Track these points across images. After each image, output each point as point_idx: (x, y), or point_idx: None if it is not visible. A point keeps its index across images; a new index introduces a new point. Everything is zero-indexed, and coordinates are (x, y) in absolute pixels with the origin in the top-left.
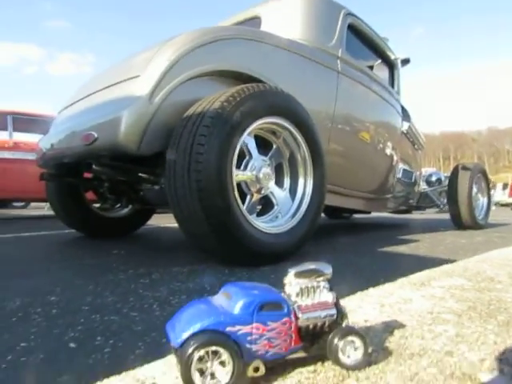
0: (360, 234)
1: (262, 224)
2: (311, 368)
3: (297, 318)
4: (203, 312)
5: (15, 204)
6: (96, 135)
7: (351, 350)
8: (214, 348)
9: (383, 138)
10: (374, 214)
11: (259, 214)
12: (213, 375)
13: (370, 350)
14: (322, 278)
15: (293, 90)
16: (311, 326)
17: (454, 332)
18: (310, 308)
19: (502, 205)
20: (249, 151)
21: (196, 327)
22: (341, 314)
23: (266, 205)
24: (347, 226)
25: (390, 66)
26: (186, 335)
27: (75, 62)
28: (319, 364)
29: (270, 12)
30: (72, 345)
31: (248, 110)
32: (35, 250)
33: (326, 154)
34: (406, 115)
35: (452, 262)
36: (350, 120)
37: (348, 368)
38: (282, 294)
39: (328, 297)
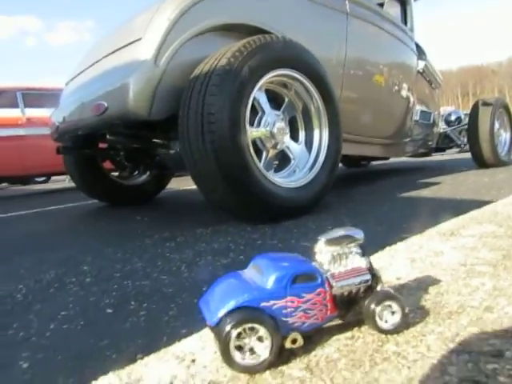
0: (379, 180)
1: (280, 179)
2: (349, 334)
3: (331, 287)
4: (236, 288)
5: (37, 179)
6: (106, 105)
7: (388, 315)
8: (250, 325)
9: (398, 79)
10: (392, 160)
11: (276, 170)
12: (252, 350)
13: (406, 311)
14: (353, 244)
15: (300, 37)
16: (346, 294)
17: (490, 285)
18: (343, 275)
19: None
20: (261, 107)
21: (230, 305)
22: (375, 278)
23: (282, 160)
24: (366, 174)
25: (402, 1)
26: (221, 314)
27: (75, 29)
28: (356, 330)
29: None
30: (109, 310)
31: (256, 63)
32: (62, 223)
33: (340, 101)
34: (421, 53)
35: (479, 205)
36: (362, 64)
37: (386, 332)
38: (314, 264)
39: (361, 262)
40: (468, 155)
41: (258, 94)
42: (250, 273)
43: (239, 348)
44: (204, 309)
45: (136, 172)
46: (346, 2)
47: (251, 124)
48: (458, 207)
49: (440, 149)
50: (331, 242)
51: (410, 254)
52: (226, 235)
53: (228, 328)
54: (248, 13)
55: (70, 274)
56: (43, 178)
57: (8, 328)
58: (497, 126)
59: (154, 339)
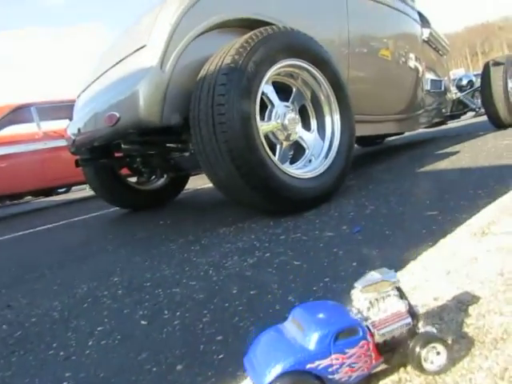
0: (396, 157)
1: (297, 171)
2: (395, 377)
3: (373, 336)
4: (280, 349)
5: (58, 190)
6: (118, 115)
7: (434, 356)
8: None
9: (404, 51)
10: (407, 133)
11: (292, 161)
12: None
13: (451, 347)
14: (390, 288)
15: (300, 22)
16: (389, 340)
17: None
18: (383, 322)
19: None
20: (270, 100)
21: (277, 370)
22: (415, 317)
23: (297, 150)
24: (382, 152)
25: None
26: (269, 380)
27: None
28: (402, 371)
29: None
30: (143, 322)
31: (260, 58)
32: (88, 233)
33: (348, 82)
34: (424, 21)
35: (502, 176)
36: (366, 41)
37: (433, 374)
38: (353, 313)
39: (400, 306)
40: (484, 118)
41: (266, 88)
42: (290, 328)
43: None
44: (249, 370)
45: (153, 177)
46: None
47: (262, 118)
48: (483, 177)
49: (455, 116)
50: (367, 289)
51: (444, 264)
52: (250, 233)
53: None
54: (244, 6)
55: (102, 286)
56: (64, 189)
57: (48, 348)
58: (510, 84)
59: (191, 348)
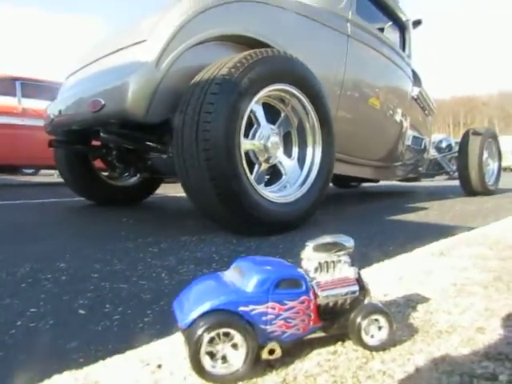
0: (368, 202)
1: (271, 193)
2: (331, 349)
3: (316, 296)
4: (213, 290)
5: (25, 170)
6: (103, 102)
7: (375, 330)
8: (225, 330)
9: (393, 104)
10: (382, 182)
11: (267, 184)
12: (224, 358)
13: (394, 327)
14: (342, 252)
15: (301, 54)
16: (331, 304)
17: (482, 306)
18: (329, 285)
19: None
20: (257, 119)
21: (205, 307)
22: (363, 290)
23: (274, 174)
24: (355, 195)
25: (401, 28)
26: (194, 315)
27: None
28: (339, 344)
29: None
30: (81, 311)
31: (256, 76)
32: (45, 217)
33: (335, 121)
34: (416, 80)
35: (468, 229)
36: (359, 86)
37: (372, 349)
38: (300, 270)
39: (349, 272)
40: (456, 183)
41: (256, 107)
42: (230, 275)
43: (210, 354)
44: (177, 310)
45: (126, 173)
46: (348, 24)
47: (246, 136)
48: (446, 231)
49: (429, 175)
50: (319, 247)
51: (398, 272)
52: (211, 245)
53: (200, 331)
54: (251, 26)
55: (46, 270)
56: (32, 170)
57: None
58: (485, 155)
59: (125, 345)
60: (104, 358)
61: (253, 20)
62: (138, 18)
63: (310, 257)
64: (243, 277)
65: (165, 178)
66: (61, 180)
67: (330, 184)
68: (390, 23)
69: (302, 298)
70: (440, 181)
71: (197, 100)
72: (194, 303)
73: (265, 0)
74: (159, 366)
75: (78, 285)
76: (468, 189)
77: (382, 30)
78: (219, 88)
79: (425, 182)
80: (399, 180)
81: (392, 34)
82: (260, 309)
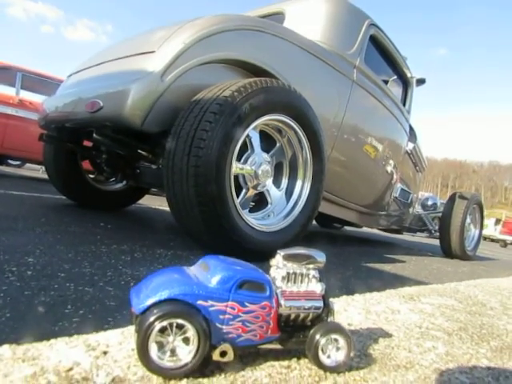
0: (348, 246)
1: (254, 220)
2: (285, 363)
3: (278, 305)
4: (174, 280)
5: (11, 162)
6: (101, 104)
7: (333, 350)
8: (179, 321)
9: (387, 154)
10: (364, 229)
11: (252, 211)
12: (173, 352)
13: (352, 354)
14: (312, 266)
15: (305, 91)
16: (293, 316)
17: (443, 350)
18: (294, 296)
19: (492, 240)
20: (251, 145)
21: (163, 294)
22: (327, 308)
23: (259, 201)
24: (337, 237)
25: (405, 83)
26: (149, 302)
27: (93, 29)
28: (294, 360)
29: (294, 10)
30: (41, 309)
31: (257, 103)
32: (22, 209)
33: (328, 160)
34: (412, 135)
35: (442, 283)
36: (356, 131)
37: (326, 369)
38: (267, 276)
39: (316, 287)
40: (436, 242)
41: (252, 133)
42: (195, 269)
43: (160, 345)
44: (133, 296)
45: (113, 179)
46: (355, 70)
47: (238, 159)
48: (420, 283)
49: (411, 229)
50: (290, 257)
51: (366, 306)
52: (186, 262)
53: (152, 318)
54: (259, 55)
55: (12, 262)
56: (18, 162)
57: None
58: (468, 220)
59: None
60: (49, 339)
61: (266, 51)
62: (151, 30)
63: (280, 265)
64: (208, 272)
65: (150, 189)
66: (45, 176)
67: (314, 222)
68: (395, 77)
69: (264, 303)
70: (421, 237)
71: (195, 117)
72: (152, 291)
73: (281, 34)
74: (105, 353)
75: (42, 282)
76: (447, 250)
77: (386, 82)
78: (219, 109)
79: (406, 236)
80: (381, 229)
81: (395, 88)
82: (219, 306)
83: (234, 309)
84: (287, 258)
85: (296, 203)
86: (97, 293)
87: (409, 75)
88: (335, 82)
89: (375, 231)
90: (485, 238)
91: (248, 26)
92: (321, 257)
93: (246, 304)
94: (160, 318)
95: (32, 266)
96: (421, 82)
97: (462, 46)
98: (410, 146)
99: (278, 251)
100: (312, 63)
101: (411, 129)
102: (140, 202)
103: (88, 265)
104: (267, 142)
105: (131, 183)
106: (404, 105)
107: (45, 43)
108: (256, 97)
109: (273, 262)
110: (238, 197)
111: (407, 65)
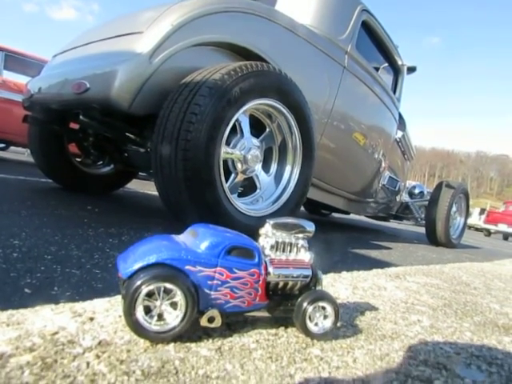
0: (335, 232)
1: (242, 205)
2: (272, 331)
3: (267, 272)
4: (162, 246)
5: None
6: (88, 85)
7: (320, 318)
8: (167, 285)
9: (376, 142)
10: (352, 216)
11: (241, 195)
12: (160, 316)
13: (339, 324)
14: (301, 235)
15: (295, 75)
16: (281, 284)
17: (428, 323)
18: (283, 264)
19: (477, 229)
20: (241, 130)
21: (151, 259)
22: (315, 277)
23: (248, 186)
24: (324, 223)
25: (396, 71)
26: (137, 266)
27: (78, 8)
28: (282, 329)
29: None
30: (27, 290)
31: (248, 87)
32: (7, 192)
33: (317, 147)
34: (402, 123)
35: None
36: (346, 118)
37: (313, 337)
38: (256, 243)
39: (305, 256)
40: (422, 230)
41: (242, 117)
42: (184, 237)
43: (147, 309)
44: (121, 262)
45: (100, 162)
46: (346, 56)
47: (227, 144)
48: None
49: (398, 217)
50: (279, 226)
51: (353, 283)
52: None
53: (139, 282)
54: (250, 38)
55: None
56: (2, 145)
57: None
58: (454, 209)
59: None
60: (34, 306)
61: (255, 34)
62: (139, 11)
63: (269, 234)
64: (196, 238)
65: (138, 173)
66: (31, 160)
67: (302, 208)
68: (386, 64)
69: (253, 269)
70: (407, 225)
71: (184, 99)
72: (140, 255)
73: (271, 17)
74: (91, 319)
75: (28, 263)
76: (432, 238)
77: (377, 69)
78: (209, 91)
79: (392, 224)
80: (369, 216)
81: (386, 75)
82: (207, 272)
83: (222, 274)
84: (276, 226)
85: (285, 189)
86: (84, 275)
87: (400, 63)
88: (326, 68)
89: (362, 218)
90: (469, 227)
91: (238, 9)
92: (310, 226)
93: (235, 270)
94: (147, 282)
95: (18, 248)
96: (411, 69)
97: (457, 37)
98: (399, 134)
99: (268, 220)
100: (303, 48)
101: (401, 117)
102: (128, 186)
103: (75, 247)
104: (257, 127)
105: (119, 167)
106: (394, 92)
107: (28, 23)
108: (246, 80)
109: (262, 230)
110: (226, 181)
111: (398, 52)
